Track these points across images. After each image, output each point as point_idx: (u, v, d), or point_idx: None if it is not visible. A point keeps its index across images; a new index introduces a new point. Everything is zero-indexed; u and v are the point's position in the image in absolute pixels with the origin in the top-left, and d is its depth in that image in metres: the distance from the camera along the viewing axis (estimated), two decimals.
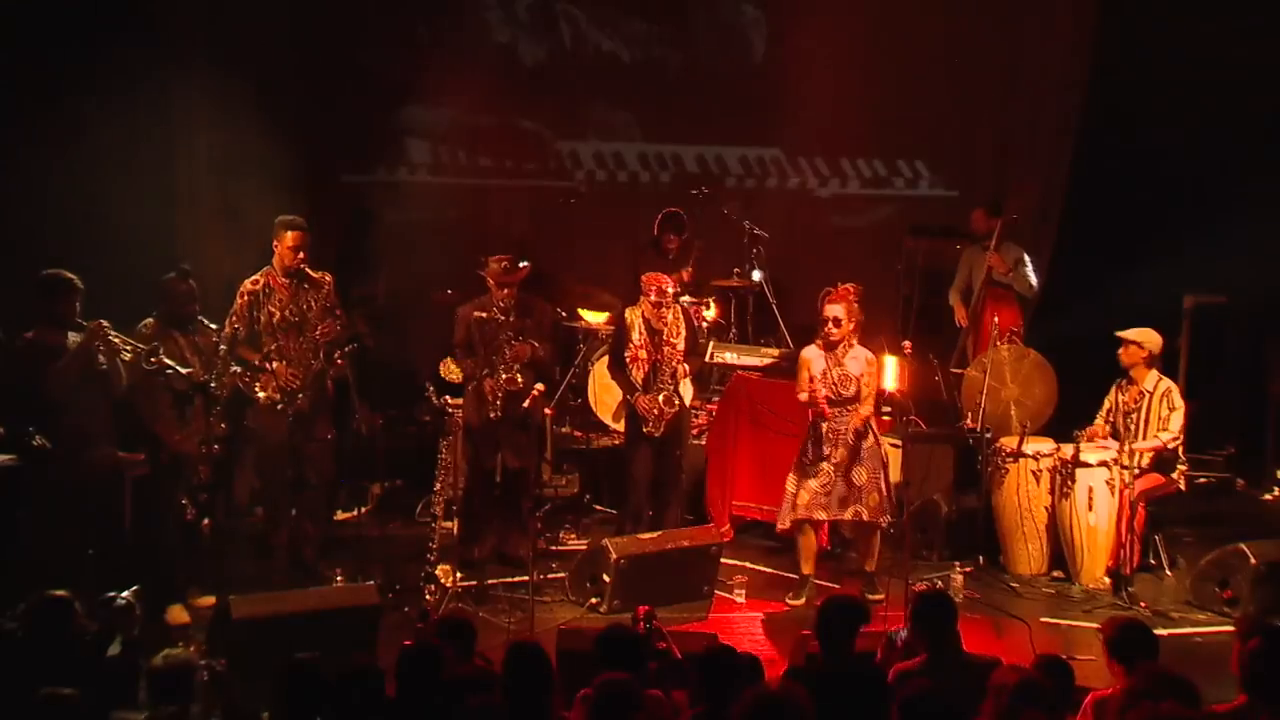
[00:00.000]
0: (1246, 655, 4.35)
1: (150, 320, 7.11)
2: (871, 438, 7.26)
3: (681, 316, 8.01)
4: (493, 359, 7.53)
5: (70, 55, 8.20)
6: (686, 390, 7.93)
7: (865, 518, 7.23)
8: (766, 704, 3.91)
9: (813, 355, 7.31)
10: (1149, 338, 7.74)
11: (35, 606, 5.05)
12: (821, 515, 7.27)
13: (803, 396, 7.25)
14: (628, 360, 7.82)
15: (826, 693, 4.24)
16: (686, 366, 7.86)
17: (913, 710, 4.07)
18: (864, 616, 5.09)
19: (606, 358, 8.34)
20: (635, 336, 7.83)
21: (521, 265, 7.62)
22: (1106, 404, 7.86)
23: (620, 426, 8.37)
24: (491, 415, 7.52)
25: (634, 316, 7.89)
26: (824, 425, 7.21)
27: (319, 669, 4.44)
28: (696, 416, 9.15)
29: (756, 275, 9.82)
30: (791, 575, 7.64)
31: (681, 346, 7.86)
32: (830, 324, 7.20)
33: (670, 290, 7.82)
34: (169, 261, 7.53)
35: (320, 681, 4.41)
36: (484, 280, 7.66)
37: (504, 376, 7.50)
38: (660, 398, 7.76)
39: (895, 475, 7.79)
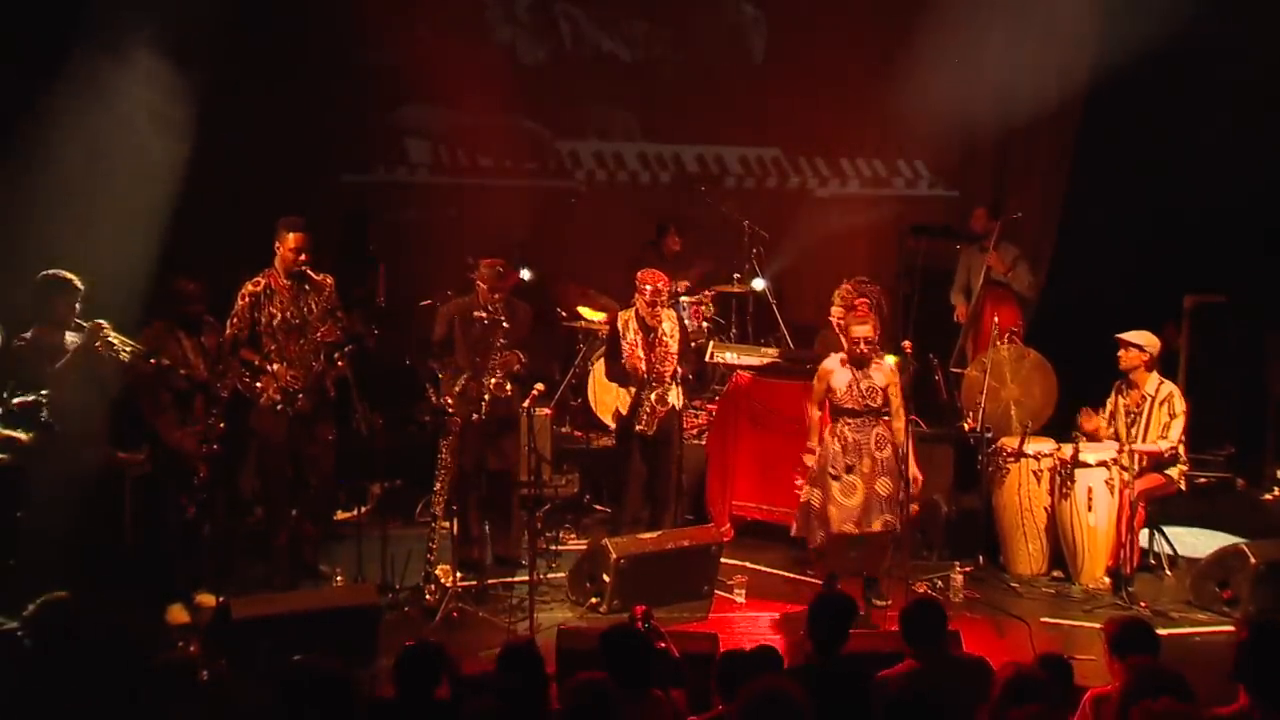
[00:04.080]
0: (1238, 650, 4.36)
1: (159, 322, 7.13)
2: (891, 448, 7.17)
3: (676, 319, 8.01)
4: (478, 362, 7.51)
5: (66, 49, 8.19)
6: (678, 394, 7.90)
7: (879, 528, 7.09)
8: (763, 700, 3.90)
9: (835, 367, 7.23)
10: (1148, 340, 7.71)
11: (40, 611, 5.03)
12: (851, 529, 7.10)
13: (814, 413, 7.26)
14: (624, 362, 7.82)
15: (817, 691, 4.24)
16: (681, 369, 7.84)
17: (897, 712, 4.09)
18: (853, 614, 5.09)
19: (603, 363, 8.34)
20: (630, 337, 7.82)
21: (524, 277, 7.58)
22: (1108, 406, 7.85)
23: None
24: (475, 418, 7.49)
25: (627, 317, 7.89)
26: (849, 436, 7.15)
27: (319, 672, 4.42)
28: (696, 416, 9.17)
29: (759, 284, 9.82)
30: (792, 575, 7.63)
31: (675, 349, 7.85)
32: (861, 343, 7.12)
33: (665, 288, 7.81)
34: (169, 261, 7.52)
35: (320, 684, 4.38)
36: (473, 281, 7.65)
37: (493, 382, 7.48)
38: (653, 396, 7.76)
39: None
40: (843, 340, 7.46)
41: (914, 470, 7.11)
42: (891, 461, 7.15)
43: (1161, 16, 9.16)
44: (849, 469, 7.11)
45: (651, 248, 9.76)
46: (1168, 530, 7.98)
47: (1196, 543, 8.02)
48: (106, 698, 4.48)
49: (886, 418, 7.18)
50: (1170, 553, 7.93)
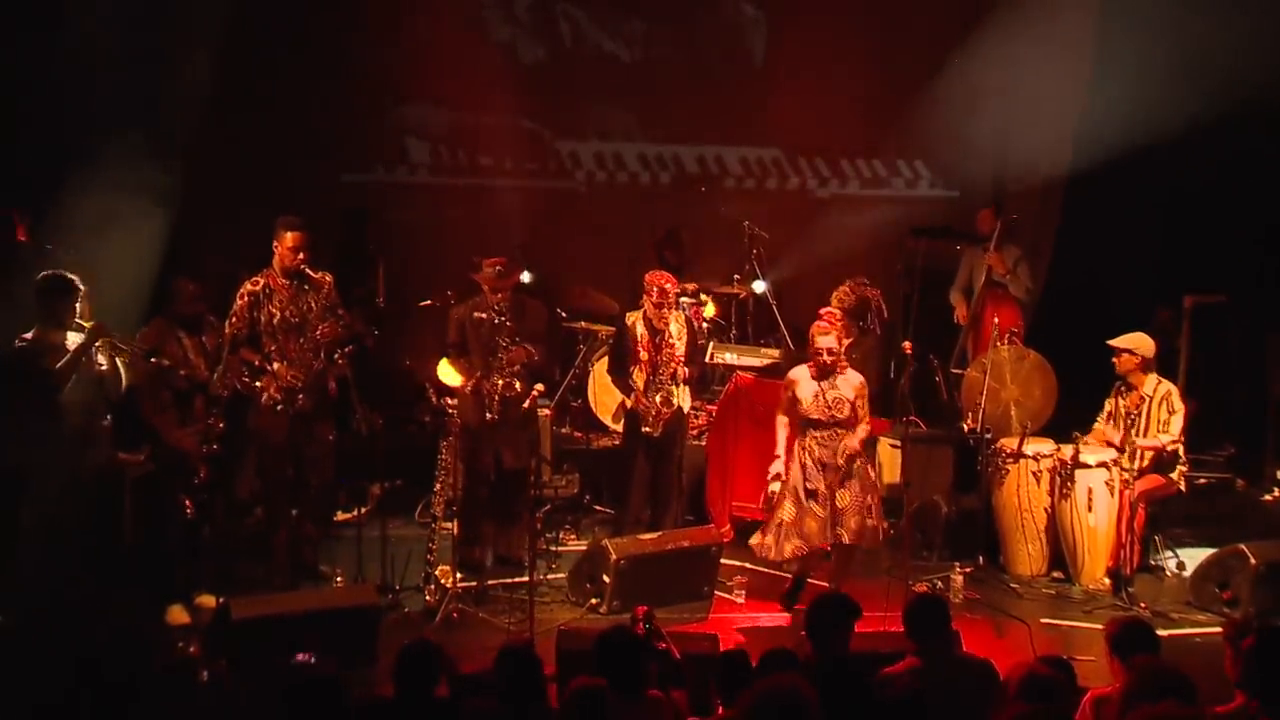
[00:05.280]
0: (1243, 655, 4.36)
1: (159, 322, 7.13)
2: (860, 460, 7.15)
3: (684, 322, 8.02)
4: (489, 361, 7.53)
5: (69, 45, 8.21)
6: (684, 395, 7.91)
7: (845, 540, 7.08)
8: (771, 696, 3.90)
9: (801, 378, 7.20)
10: (1140, 343, 7.71)
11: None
12: (824, 542, 7.12)
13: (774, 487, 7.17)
14: (629, 363, 7.82)
15: (819, 691, 4.23)
16: (686, 370, 7.85)
17: (896, 713, 4.09)
18: (854, 614, 5.09)
19: (606, 360, 8.34)
20: (638, 337, 7.82)
21: (523, 278, 7.59)
22: (1107, 408, 7.86)
23: (619, 427, 8.37)
24: (488, 418, 7.51)
25: (635, 319, 7.89)
26: (816, 451, 7.10)
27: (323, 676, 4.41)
28: (697, 417, 9.16)
29: (760, 287, 9.82)
30: (792, 576, 7.64)
31: (682, 351, 7.85)
32: (825, 353, 7.12)
33: (672, 289, 7.80)
34: (171, 262, 7.52)
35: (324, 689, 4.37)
36: (477, 282, 7.66)
37: (501, 381, 7.49)
38: (657, 397, 7.76)
39: (895, 476, 7.77)
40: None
41: (852, 442, 7.08)
42: (863, 471, 7.14)
43: (1162, 20, 9.21)
44: (814, 491, 7.08)
45: (653, 250, 9.76)
46: (1169, 539, 8.02)
47: (1199, 555, 7.99)
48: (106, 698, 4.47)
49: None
50: (1173, 556, 7.95)
